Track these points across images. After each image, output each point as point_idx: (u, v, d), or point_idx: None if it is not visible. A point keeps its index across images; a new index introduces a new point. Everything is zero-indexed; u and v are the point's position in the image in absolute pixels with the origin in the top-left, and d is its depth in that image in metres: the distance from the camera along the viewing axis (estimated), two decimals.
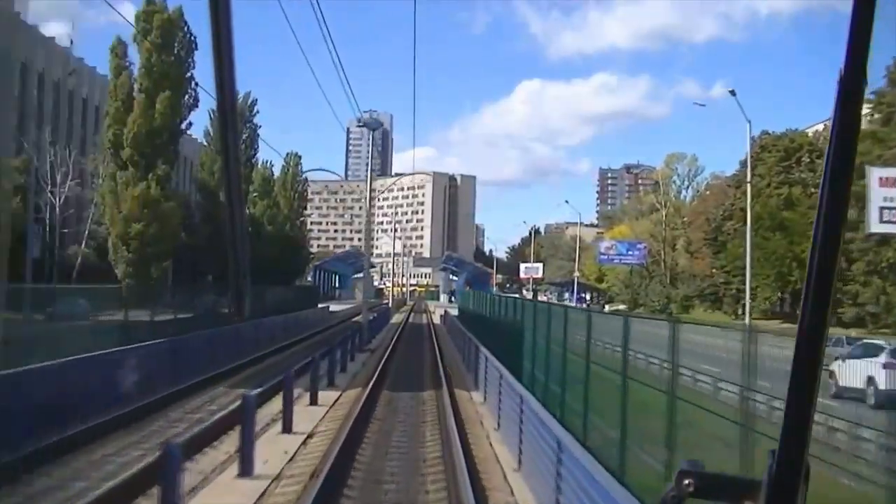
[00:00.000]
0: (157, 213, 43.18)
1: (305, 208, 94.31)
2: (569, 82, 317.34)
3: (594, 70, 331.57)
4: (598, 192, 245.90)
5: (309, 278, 75.55)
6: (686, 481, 1.06)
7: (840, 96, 0.91)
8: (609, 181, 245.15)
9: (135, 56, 42.80)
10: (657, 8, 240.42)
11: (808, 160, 44.12)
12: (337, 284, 76.43)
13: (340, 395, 17.27)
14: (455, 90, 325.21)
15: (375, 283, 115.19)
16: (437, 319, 47.22)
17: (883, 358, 11.96)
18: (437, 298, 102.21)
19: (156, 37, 41.71)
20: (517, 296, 39.17)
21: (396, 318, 50.13)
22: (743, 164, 53.20)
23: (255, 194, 74.01)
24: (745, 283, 37.76)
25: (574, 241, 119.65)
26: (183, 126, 46.65)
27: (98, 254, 45.64)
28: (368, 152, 48.86)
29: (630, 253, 70.69)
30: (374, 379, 18.61)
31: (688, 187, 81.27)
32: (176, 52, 44.14)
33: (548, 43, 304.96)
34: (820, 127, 48.48)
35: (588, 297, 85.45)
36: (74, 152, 47.41)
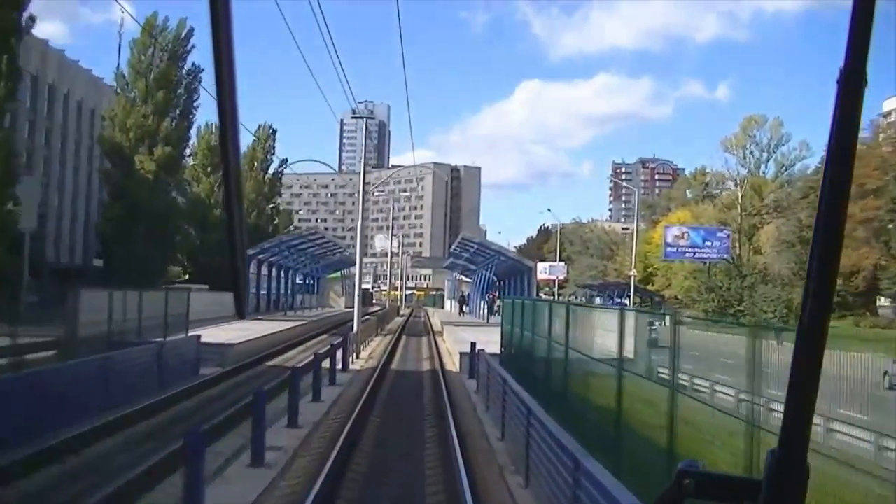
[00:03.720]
0: None
1: (279, 193, 75.97)
2: (570, 83, 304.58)
3: (596, 70, 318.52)
4: (611, 187, 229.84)
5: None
6: (686, 481, 1.04)
7: (840, 96, 0.91)
8: (623, 176, 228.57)
9: None
10: (660, 7, 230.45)
11: None
12: (308, 288, 56.73)
13: None
14: (454, 91, 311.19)
15: (365, 286, 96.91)
16: (451, 356, 24.97)
17: None
18: (441, 305, 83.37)
19: None
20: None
21: (370, 353, 26.27)
22: None
23: (192, 162, 55.51)
24: None
25: (607, 234, 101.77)
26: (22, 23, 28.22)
27: None
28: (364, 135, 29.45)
29: (708, 244, 52.09)
30: None
31: (768, 160, 62.62)
32: None
33: (549, 43, 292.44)
34: None
35: (627, 301, 67.22)
36: None
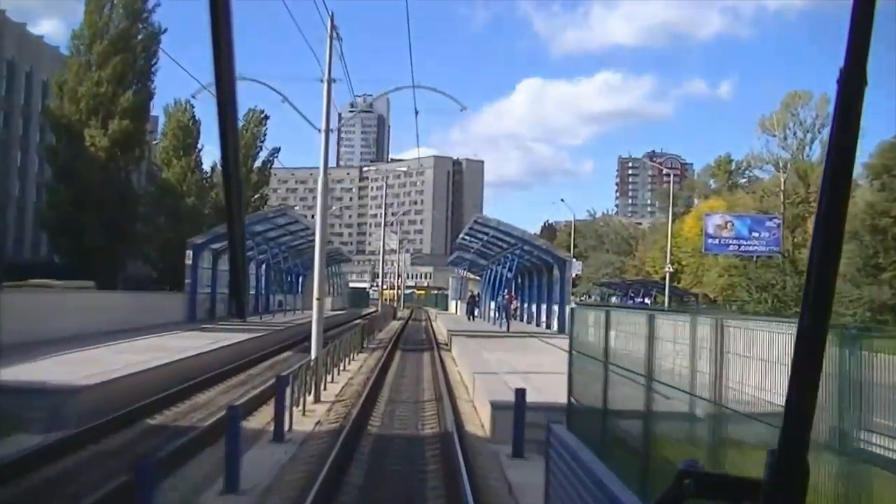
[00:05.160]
0: None
1: (267, 182, 69.12)
2: (571, 80, 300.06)
3: (598, 68, 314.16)
4: (617, 182, 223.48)
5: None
6: (686, 481, 1.05)
7: (840, 96, 0.92)
8: (630, 171, 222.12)
9: None
10: (662, 4, 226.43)
11: None
12: (290, 286, 48.49)
13: None
14: (455, 89, 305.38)
15: (363, 286, 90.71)
16: (468, 395, 16.39)
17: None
18: (445, 306, 76.39)
19: None
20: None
21: (343, 387, 16.97)
22: None
23: (161, 143, 48.75)
24: None
25: (625, 228, 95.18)
26: None
27: None
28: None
29: (755, 234, 45.23)
30: None
31: (812, 141, 55.66)
32: None
33: (550, 40, 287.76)
34: None
35: (648, 300, 60.70)
36: None
